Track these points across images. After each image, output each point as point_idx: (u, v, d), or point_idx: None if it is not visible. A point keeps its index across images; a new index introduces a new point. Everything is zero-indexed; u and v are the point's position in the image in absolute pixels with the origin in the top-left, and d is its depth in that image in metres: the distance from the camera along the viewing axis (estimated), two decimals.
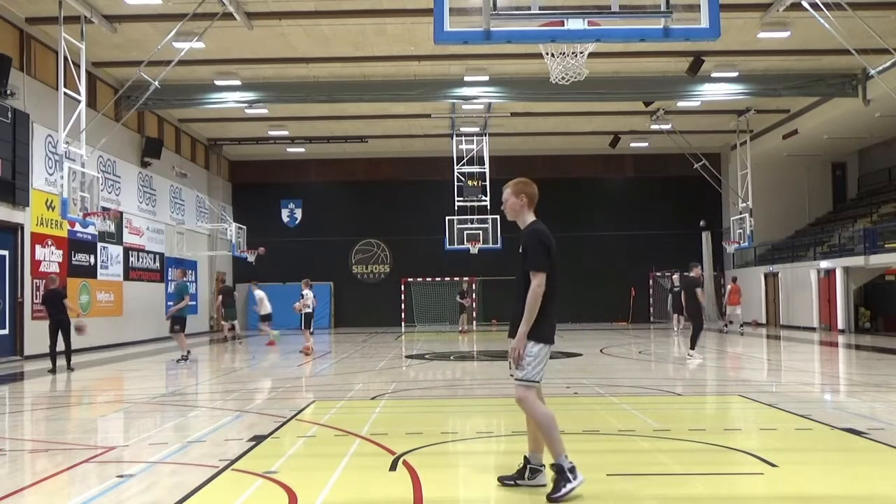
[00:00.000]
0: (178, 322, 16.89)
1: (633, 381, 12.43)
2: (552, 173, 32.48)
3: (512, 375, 5.37)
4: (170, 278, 25.76)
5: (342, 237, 34.25)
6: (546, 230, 5.39)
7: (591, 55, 9.95)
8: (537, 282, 5.20)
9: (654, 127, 28.04)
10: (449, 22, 6.46)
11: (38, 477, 6.17)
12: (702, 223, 33.14)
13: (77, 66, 16.63)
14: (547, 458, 5.35)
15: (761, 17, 18.33)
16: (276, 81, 22.95)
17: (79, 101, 16.51)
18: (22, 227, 18.09)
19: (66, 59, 16.12)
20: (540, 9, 6.49)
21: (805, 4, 15.65)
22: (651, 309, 34.13)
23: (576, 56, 9.69)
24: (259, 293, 23.05)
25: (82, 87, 16.59)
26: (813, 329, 26.46)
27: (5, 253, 17.73)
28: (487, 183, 28.02)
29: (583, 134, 30.53)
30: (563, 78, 10.15)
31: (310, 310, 18.50)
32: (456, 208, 28.94)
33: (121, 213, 22.96)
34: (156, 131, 26.36)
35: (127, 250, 23.85)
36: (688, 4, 6.40)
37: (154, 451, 7.02)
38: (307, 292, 18.37)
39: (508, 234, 25.96)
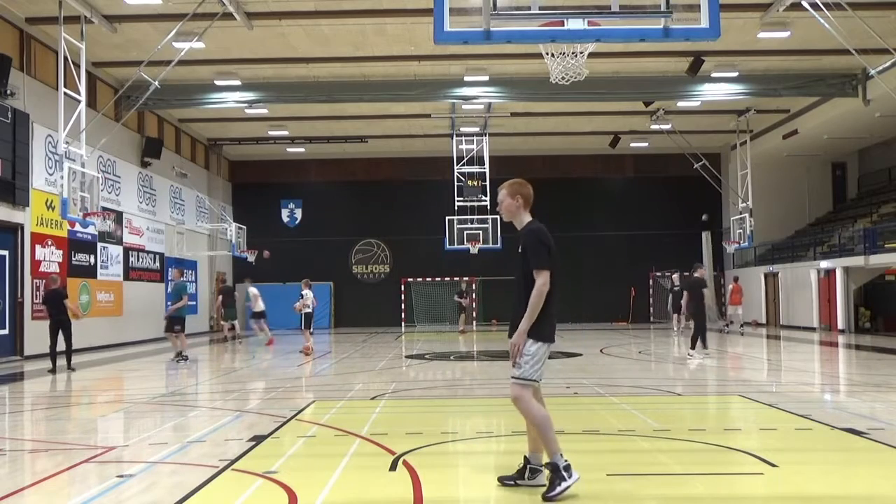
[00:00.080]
0: (177, 322, 16.88)
1: (633, 381, 12.43)
2: (552, 173, 32.51)
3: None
4: (169, 278, 25.76)
5: (342, 237, 34.25)
6: (545, 229, 5.39)
7: (591, 55, 9.96)
8: (542, 280, 5.20)
9: (654, 127, 28.03)
10: (449, 22, 6.47)
11: (38, 477, 6.17)
12: (704, 217, 33.02)
13: (77, 66, 16.63)
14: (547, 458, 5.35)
15: (761, 17, 18.33)
16: (276, 81, 22.95)
17: (79, 101, 16.51)
18: (22, 227, 18.09)
19: (66, 59, 16.12)
20: (540, 9, 6.50)
21: (805, 4, 15.65)
22: (651, 309, 34.11)
23: (576, 56, 9.70)
24: (253, 290, 23.09)
25: (82, 87, 16.59)
26: (813, 329, 26.46)
27: (5, 253, 17.73)
28: (487, 183, 28.01)
29: (583, 134, 30.53)
30: (563, 78, 10.15)
31: (310, 310, 18.50)
32: (456, 208, 28.93)
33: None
34: (156, 131, 26.36)
35: (127, 250, 23.86)
36: (688, 4, 6.40)
37: (154, 451, 7.02)
38: (307, 292, 18.37)
39: (508, 235, 25.92)
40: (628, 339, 23.16)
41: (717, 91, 23.33)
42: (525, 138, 31.12)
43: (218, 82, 22.56)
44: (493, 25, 6.48)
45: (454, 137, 29.18)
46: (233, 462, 6.38)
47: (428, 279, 34.15)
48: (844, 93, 22.74)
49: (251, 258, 29.45)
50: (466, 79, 22.61)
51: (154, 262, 25.92)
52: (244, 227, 29.72)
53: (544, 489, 5.19)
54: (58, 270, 19.18)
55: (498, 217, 27.95)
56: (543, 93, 22.39)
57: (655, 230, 33.68)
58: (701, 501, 5.24)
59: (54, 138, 17.91)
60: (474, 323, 32.97)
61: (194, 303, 28.16)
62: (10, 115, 17.17)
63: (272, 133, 29.81)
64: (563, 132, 30.34)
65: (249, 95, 23.15)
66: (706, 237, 33.34)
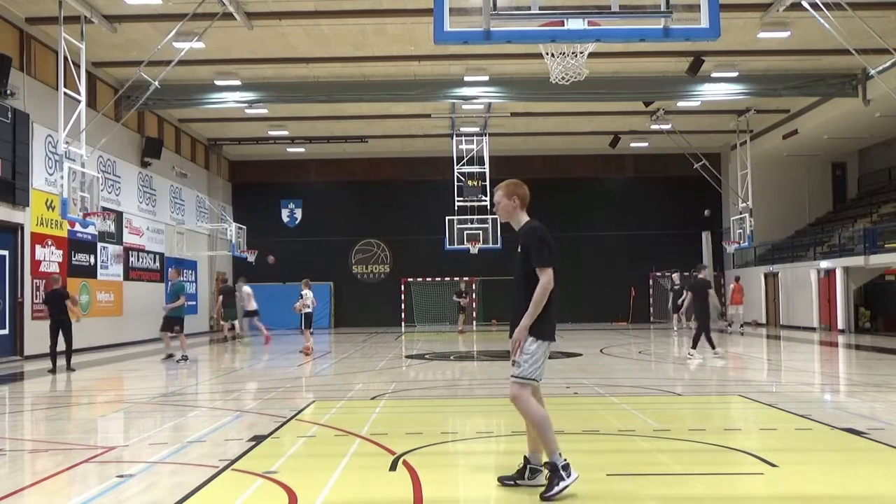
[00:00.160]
0: (177, 322, 16.84)
1: (633, 381, 12.43)
2: (552, 173, 32.52)
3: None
4: (168, 279, 25.74)
5: (342, 237, 34.25)
6: (543, 227, 5.40)
7: (591, 55, 9.95)
8: (546, 277, 5.21)
9: (654, 127, 28.03)
10: (449, 22, 6.47)
11: (38, 477, 6.17)
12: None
13: (77, 66, 16.63)
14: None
15: (761, 17, 18.33)
16: (276, 81, 22.95)
17: (79, 101, 16.51)
18: (22, 227, 18.09)
19: (66, 59, 16.12)
20: (540, 9, 6.50)
21: (805, 4, 15.65)
22: (651, 309, 34.11)
23: (576, 56, 9.70)
24: (247, 289, 23.09)
25: (82, 87, 16.59)
26: (813, 329, 26.46)
27: (5, 253, 17.73)
28: (487, 183, 28.00)
29: (583, 134, 30.53)
30: (563, 78, 10.15)
31: (310, 310, 18.50)
32: (456, 208, 28.93)
33: (126, 249, 23.09)
34: (156, 131, 26.36)
35: (127, 250, 23.86)
36: (688, 4, 6.40)
37: (154, 451, 7.02)
38: (307, 292, 18.36)
39: (508, 235, 25.82)
40: (628, 339, 23.16)
41: (717, 91, 23.33)
42: (525, 138, 31.11)
43: (218, 82, 22.56)
44: (493, 25, 6.48)
45: (454, 137, 29.18)
46: (233, 462, 6.38)
47: (428, 279, 34.15)
48: (844, 93, 22.74)
49: (251, 258, 29.44)
50: (466, 79, 22.61)
51: (154, 262, 25.93)
52: (244, 227, 29.72)
53: (543, 489, 5.20)
54: (58, 270, 19.18)
55: (498, 217, 27.84)
56: (543, 93, 22.40)
57: (655, 230, 33.68)
58: (701, 501, 5.24)
59: (54, 138, 17.91)
60: (474, 323, 32.97)
61: (193, 303, 28.15)
62: (10, 115, 17.17)
63: (272, 133, 29.81)
64: (562, 132, 30.34)
65: (249, 95, 23.16)
66: (706, 237, 33.32)
